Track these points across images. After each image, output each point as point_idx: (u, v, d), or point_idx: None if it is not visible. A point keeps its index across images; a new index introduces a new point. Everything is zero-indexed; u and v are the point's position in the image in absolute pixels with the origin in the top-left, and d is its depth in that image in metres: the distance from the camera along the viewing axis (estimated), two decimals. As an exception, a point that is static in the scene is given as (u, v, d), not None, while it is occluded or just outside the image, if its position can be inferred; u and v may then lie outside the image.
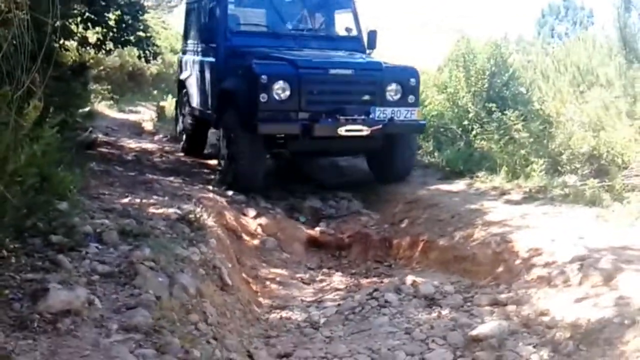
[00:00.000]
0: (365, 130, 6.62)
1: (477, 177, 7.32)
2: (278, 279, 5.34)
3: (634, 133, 7.06)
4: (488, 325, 4.02)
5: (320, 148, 7.20)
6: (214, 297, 3.80)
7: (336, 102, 6.74)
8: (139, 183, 6.37)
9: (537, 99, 8.98)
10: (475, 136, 8.08)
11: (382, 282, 5.19)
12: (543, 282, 4.49)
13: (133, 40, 8.10)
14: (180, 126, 9.80)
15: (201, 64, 8.39)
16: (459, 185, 7.19)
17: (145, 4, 8.67)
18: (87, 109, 8.18)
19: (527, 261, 4.82)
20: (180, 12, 24.44)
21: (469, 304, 4.54)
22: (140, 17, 8.11)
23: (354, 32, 8.31)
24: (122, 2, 7.76)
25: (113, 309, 3.00)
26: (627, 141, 6.94)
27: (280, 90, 6.54)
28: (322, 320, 4.42)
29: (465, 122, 8.46)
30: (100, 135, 9.15)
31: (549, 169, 7.00)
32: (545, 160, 7.02)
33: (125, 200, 5.18)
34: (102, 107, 12.54)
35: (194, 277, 3.70)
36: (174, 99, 13.64)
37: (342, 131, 6.53)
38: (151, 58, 8.77)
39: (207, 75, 8.13)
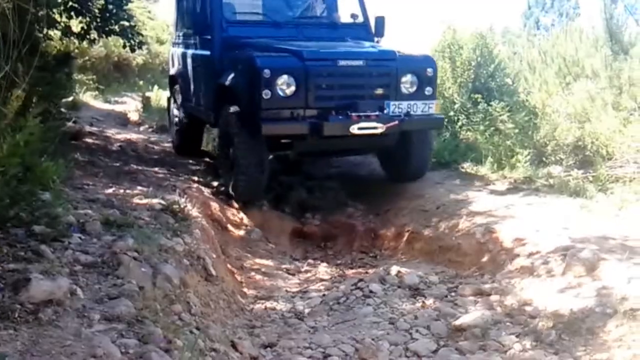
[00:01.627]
0: (380, 128, 5.96)
1: (463, 167, 7.33)
2: (263, 269, 5.34)
3: (619, 124, 7.11)
4: (471, 315, 4.05)
5: (329, 148, 6.68)
6: (198, 288, 3.79)
7: (347, 96, 6.10)
8: (123, 174, 6.34)
9: (522, 90, 9.02)
10: (461, 127, 8.11)
11: (367, 272, 5.21)
12: (526, 272, 4.52)
13: (117, 30, 8.04)
14: (173, 125, 9.10)
15: (195, 57, 7.75)
16: (445, 175, 7.19)
17: (130, -8, 8.53)
18: (71, 99, 8.12)
19: (511, 251, 4.86)
20: (166, 2, 24.36)
21: (453, 294, 4.57)
22: (125, 7, 8.04)
23: (360, 19, 7.58)
24: (106, -9, 7.70)
25: (95, 299, 2.98)
26: (611, 132, 6.99)
27: (285, 85, 5.90)
28: (307, 311, 4.42)
29: (451, 113, 8.45)
30: (85, 126, 9.08)
31: (534, 159, 7.04)
32: (531, 151, 7.06)
33: (110, 190, 5.16)
34: (87, 97, 12.45)
35: (178, 267, 3.69)
36: (160, 90, 13.64)
37: (354, 129, 5.88)
38: (136, 47, 8.70)
39: (202, 69, 7.50)
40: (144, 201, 4.89)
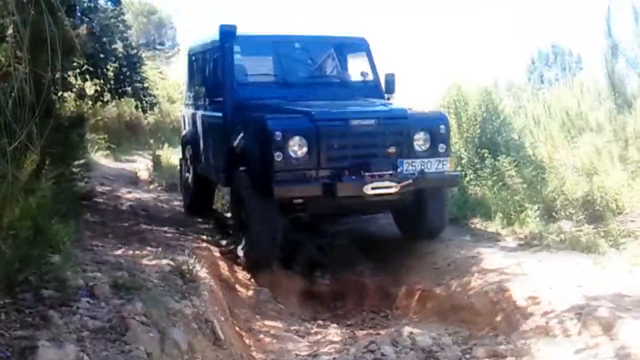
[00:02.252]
0: (394, 187, 5.89)
1: (472, 223, 7.30)
2: (272, 331, 5.26)
3: (627, 178, 7.10)
4: (487, 378, 3.95)
5: (343, 209, 6.52)
6: (206, 353, 3.74)
7: (359, 156, 6.02)
8: (133, 234, 6.35)
9: (529, 144, 9.05)
10: (469, 182, 8.11)
11: (378, 333, 5.12)
12: (542, 332, 4.43)
13: (130, 92, 8.19)
14: (184, 185, 9.18)
15: (206, 118, 7.77)
16: (454, 231, 7.14)
17: (143, 55, 8.72)
18: (83, 160, 8.20)
19: (525, 310, 4.77)
20: (177, 62, 24.88)
21: (467, 356, 4.47)
22: (138, 69, 8.21)
23: (370, 77, 7.62)
24: (120, 55, 7.87)
25: (103, 366, 2.94)
26: (620, 186, 6.97)
27: (297, 147, 5.84)
28: (317, 374, 4.34)
29: (459, 168, 8.47)
30: (96, 185, 9.15)
31: (544, 214, 7.00)
32: (540, 206, 7.04)
33: (119, 251, 5.15)
34: (99, 156, 12.58)
35: (186, 331, 3.65)
36: (170, 148, 13.78)
37: (368, 190, 5.79)
38: (148, 108, 8.85)
39: (213, 130, 7.49)
40: (153, 262, 4.87)
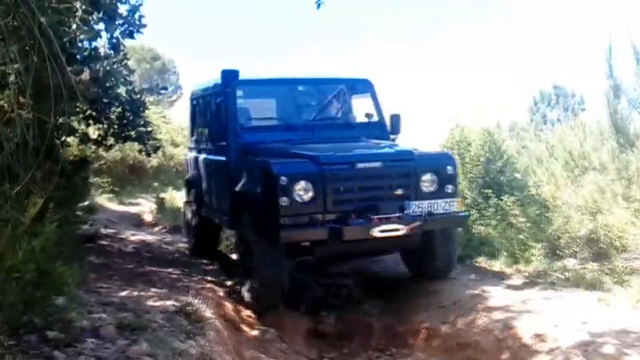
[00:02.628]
0: (401, 229, 5.80)
1: (477, 262, 7.29)
2: (277, 371, 5.23)
3: (631, 216, 7.11)
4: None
5: (351, 251, 6.45)
6: (212, 392, 3.72)
7: (366, 199, 5.99)
8: (137, 275, 6.36)
9: (532, 183, 9.09)
10: (473, 221, 8.12)
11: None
12: (548, 369, 4.41)
13: (134, 136, 8.27)
14: (189, 229, 9.07)
15: (210, 162, 7.76)
16: (459, 270, 7.13)
17: (146, 99, 8.82)
18: (87, 203, 8.25)
19: (531, 347, 4.76)
20: (180, 106, 25.18)
21: (475, 393, 4.43)
22: (142, 114, 8.31)
23: (375, 118, 7.58)
24: (124, 100, 7.97)
25: (108, 407, 2.93)
26: (624, 224, 6.97)
27: (303, 191, 5.79)
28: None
29: (463, 208, 8.49)
30: (100, 228, 9.18)
31: (548, 252, 7.01)
32: (544, 244, 7.04)
33: (124, 293, 5.16)
34: (103, 199, 12.66)
35: (192, 371, 3.64)
36: (174, 191, 13.85)
37: (375, 232, 5.73)
38: (152, 152, 8.92)
39: (218, 175, 7.48)
40: (158, 303, 4.87)
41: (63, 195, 5.77)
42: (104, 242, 8.38)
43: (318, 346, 6.13)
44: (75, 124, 7.50)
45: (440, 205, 6.13)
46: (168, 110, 23.97)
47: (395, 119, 7.48)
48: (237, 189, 6.59)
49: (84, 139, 8.06)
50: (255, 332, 5.94)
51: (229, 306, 6.00)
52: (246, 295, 6.35)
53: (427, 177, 6.23)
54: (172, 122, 20.96)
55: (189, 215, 9.01)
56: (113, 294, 5.03)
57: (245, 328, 5.90)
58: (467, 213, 6.84)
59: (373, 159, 6.15)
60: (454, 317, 5.76)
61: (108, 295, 4.97)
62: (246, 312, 6.27)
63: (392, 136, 7.48)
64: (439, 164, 6.36)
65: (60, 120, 5.48)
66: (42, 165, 4.03)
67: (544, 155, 9.58)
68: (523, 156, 10.59)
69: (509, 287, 6.30)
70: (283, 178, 5.72)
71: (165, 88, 23.08)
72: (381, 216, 5.82)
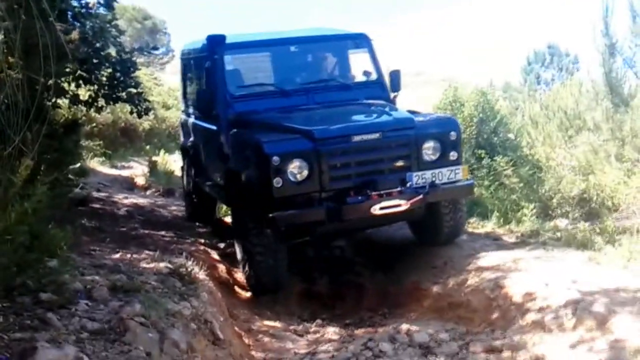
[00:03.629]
0: (403, 205, 5.50)
1: (469, 222, 7.33)
2: (271, 331, 5.29)
3: (623, 176, 7.14)
4: (484, 373, 3.98)
5: (350, 228, 6.21)
6: (206, 352, 3.76)
7: (365, 174, 5.66)
8: (130, 238, 6.36)
9: (526, 144, 9.10)
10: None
11: (376, 331, 5.15)
12: (538, 327, 4.48)
13: (125, 97, 8.18)
14: (186, 195, 8.85)
15: (203, 130, 7.30)
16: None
17: (137, 60, 8.70)
18: (79, 166, 8.21)
19: (522, 306, 4.81)
20: (172, 67, 24.95)
21: (464, 351, 4.51)
22: (132, 74, 8.21)
23: (374, 76, 7.02)
24: (114, 60, 7.86)
25: (102, 366, 2.96)
26: (616, 184, 7.02)
27: (297, 170, 5.48)
28: (316, 373, 4.36)
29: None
30: (92, 192, 9.15)
31: (540, 213, 7.05)
32: (536, 205, 7.08)
33: (117, 255, 5.16)
34: (94, 163, 12.58)
35: (185, 332, 3.66)
36: (166, 154, 13.80)
37: (375, 210, 5.43)
38: (143, 113, 8.83)
39: (211, 144, 6.97)
40: (151, 265, 4.89)
41: (54, 158, 5.72)
42: (96, 206, 8.36)
43: (311, 307, 6.19)
44: (65, 85, 7.41)
45: (444, 175, 5.78)
46: (159, 73, 23.77)
47: (395, 75, 6.96)
48: (230, 166, 6.26)
49: (75, 100, 7.97)
50: (248, 294, 5.99)
51: (222, 268, 6.03)
52: (244, 278, 6.12)
53: (429, 144, 5.86)
54: (163, 84, 20.79)
55: (185, 181, 8.80)
56: (106, 257, 5.04)
57: (238, 290, 5.94)
58: (473, 181, 6.51)
59: (371, 130, 5.77)
60: (445, 277, 5.81)
61: (101, 257, 4.98)
62: (239, 273, 6.30)
63: (392, 94, 6.96)
64: (441, 129, 5.96)
65: (50, 81, 5.42)
66: (33, 127, 3.98)
67: (538, 116, 9.57)
68: (517, 117, 10.59)
69: (501, 247, 6.34)
70: (275, 158, 5.42)
71: (156, 48, 22.82)
72: (381, 192, 5.51)
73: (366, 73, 7.10)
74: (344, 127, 5.79)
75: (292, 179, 5.49)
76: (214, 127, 6.63)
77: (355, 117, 6.27)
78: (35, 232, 3.87)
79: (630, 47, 8.87)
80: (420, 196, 5.57)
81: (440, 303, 5.53)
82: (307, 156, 5.53)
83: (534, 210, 6.94)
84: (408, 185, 5.64)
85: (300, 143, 5.61)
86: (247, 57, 7.10)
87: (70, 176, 6.96)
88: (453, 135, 5.95)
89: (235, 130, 6.27)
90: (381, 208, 5.46)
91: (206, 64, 6.75)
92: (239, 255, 6.16)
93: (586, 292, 4.60)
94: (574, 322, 4.28)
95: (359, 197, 5.51)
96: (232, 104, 6.44)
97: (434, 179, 5.74)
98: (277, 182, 5.41)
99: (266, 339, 5.09)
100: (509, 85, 22.04)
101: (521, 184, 7.65)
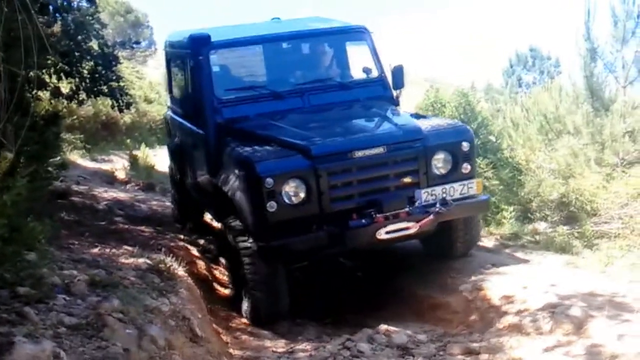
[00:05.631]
0: (412, 228, 5.06)
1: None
2: (249, 329, 5.28)
3: (602, 180, 7.23)
4: (461, 375, 4.00)
5: (354, 251, 5.75)
6: (184, 349, 3.73)
7: (368, 192, 5.15)
8: (109, 233, 6.31)
9: (506, 146, 9.17)
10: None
11: (355, 331, 5.15)
12: (515, 330, 4.51)
13: (106, 91, 8.11)
14: (174, 197, 8.34)
15: (190, 133, 6.58)
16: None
17: (119, 54, 8.62)
18: (59, 159, 8.12)
19: (500, 309, 4.85)
20: (154, 61, 24.78)
21: (442, 353, 4.51)
22: (114, 68, 8.14)
23: (375, 73, 6.40)
24: (96, 54, 7.79)
25: (79, 362, 2.93)
26: (595, 188, 7.10)
27: (293, 192, 5.00)
28: (294, 371, 4.36)
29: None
30: (72, 185, 9.06)
31: (520, 216, 7.12)
32: (516, 208, 7.14)
33: (95, 250, 5.12)
34: (75, 156, 12.46)
35: (164, 328, 3.64)
36: (147, 148, 13.70)
37: (381, 235, 4.99)
38: (124, 108, 8.76)
39: (198, 151, 6.33)
40: (130, 260, 4.85)
41: (34, 151, 5.65)
42: (76, 199, 8.27)
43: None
44: (46, 78, 7.34)
45: (456, 190, 5.25)
46: (141, 66, 23.58)
47: (398, 71, 6.30)
48: (219, 182, 5.65)
49: (56, 93, 7.90)
50: (227, 291, 5.97)
51: (201, 265, 6.00)
52: (244, 311, 5.51)
53: (439, 157, 5.34)
54: (145, 78, 20.64)
55: (172, 183, 8.27)
56: (85, 251, 4.99)
57: (218, 287, 5.92)
58: (488, 196, 6.02)
59: (374, 143, 5.20)
60: (425, 279, 5.83)
61: (79, 252, 4.93)
62: (218, 270, 6.28)
63: (395, 92, 6.37)
64: (453, 139, 5.40)
65: (32, 73, 5.35)
66: (13, 119, 3.94)
67: (519, 118, 9.66)
68: (498, 119, 10.67)
69: (480, 249, 6.38)
70: (269, 180, 4.91)
71: (139, 43, 22.57)
72: (387, 214, 5.04)
73: (366, 70, 6.47)
74: (345, 142, 5.25)
75: (287, 201, 5.00)
76: (201, 132, 6.02)
77: (357, 126, 5.75)
78: (13, 224, 3.82)
79: (612, 52, 9.01)
80: (431, 217, 5.09)
81: (421, 305, 5.55)
82: (303, 176, 5.02)
83: (514, 213, 7.01)
84: (417, 204, 5.13)
85: (295, 161, 5.08)
86: (235, 56, 6.49)
87: (50, 169, 6.87)
88: (465, 145, 5.39)
89: (224, 139, 5.70)
90: (387, 232, 5.03)
91: (190, 63, 6.23)
92: (230, 280, 5.75)
93: (564, 296, 4.66)
94: (551, 325, 4.32)
95: (363, 221, 5.03)
96: (220, 109, 5.86)
97: (444, 195, 5.21)
98: (271, 206, 4.91)
99: (244, 337, 5.07)
100: (490, 87, 22.23)
101: (501, 187, 7.71)
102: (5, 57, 3.68)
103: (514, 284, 5.08)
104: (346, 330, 5.25)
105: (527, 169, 8.23)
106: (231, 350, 4.73)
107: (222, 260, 6.51)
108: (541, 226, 6.88)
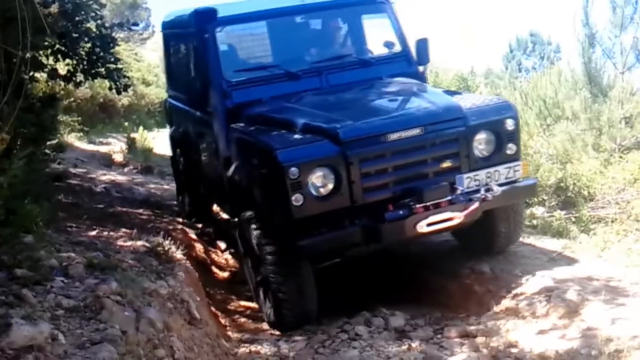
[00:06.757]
0: (457, 218, 4.52)
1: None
2: (248, 312, 5.30)
3: (600, 165, 7.23)
4: (457, 358, 4.04)
5: (389, 246, 5.17)
6: (182, 332, 3.75)
7: (405, 180, 4.59)
8: (107, 215, 6.31)
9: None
10: (444, 168, 8.18)
11: (353, 315, 5.17)
12: (512, 313, 4.55)
13: (104, 72, 8.07)
14: (179, 189, 7.86)
15: (195, 121, 6.10)
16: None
17: (117, 36, 8.56)
18: (56, 141, 8.10)
19: (497, 293, 4.87)
20: (152, 43, 24.64)
21: (439, 336, 4.55)
22: (112, 50, 8.09)
23: (398, 47, 5.83)
24: (94, 35, 7.74)
25: (77, 344, 2.93)
26: (592, 173, 7.10)
27: (321, 182, 4.42)
28: (292, 354, 4.38)
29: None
30: (69, 167, 9.05)
31: (518, 200, 7.10)
32: (514, 192, 7.12)
33: (93, 232, 5.12)
34: (72, 138, 12.43)
35: (162, 311, 3.65)
36: (145, 131, 13.67)
37: (422, 227, 4.44)
38: (122, 90, 8.72)
39: (205, 140, 5.88)
40: (128, 243, 4.85)
41: (31, 133, 5.64)
42: (73, 182, 8.27)
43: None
44: (43, 59, 7.29)
45: (501, 174, 4.71)
46: (139, 48, 23.45)
47: (422, 44, 5.73)
48: (232, 173, 5.15)
49: (53, 74, 7.85)
50: (225, 274, 5.99)
51: (199, 248, 6.02)
52: (268, 316, 5.01)
53: (482, 137, 4.79)
54: (143, 60, 20.54)
55: (176, 175, 7.79)
56: (82, 234, 4.99)
57: (216, 270, 5.93)
58: (536, 179, 5.48)
59: (410, 124, 4.61)
60: (423, 263, 5.84)
61: (77, 234, 4.93)
62: (216, 253, 6.30)
63: (420, 68, 5.86)
64: (496, 117, 4.83)
65: (28, 54, 5.32)
66: (10, 101, 3.92)
67: (518, 103, 9.63)
68: (497, 104, 10.63)
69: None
70: (293, 169, 4.33)
71: (137, 24, 22.38)
72: (427, 203, 4.48)
73: (388, 44, 5.89)
74: (377, 123, 4.64)
75: (314, 193, 4.43)
76: (209, 119, 5.55)
77: (387, 106, 5.09)
78: (10, 207, 3.83)
79: (610, 37, 8.97)
80: (476, 204, 4.55)
81: (419, 289, 5.56)
82: (332, 164, 4.45)
83: (511, 198, 6.99)
84: (459, 191, 4.58)
85: (322, 148, 4.50)
86: (244, 33, 5.96)
87: (47, 151, 6.87)
88: (510, 123, 4.83)
89: (235, 127, 5.23)
90: (429, 224, 4.48)
91: (194, 43, 5.75)
92: (249, 280, 5.26)
93: (560, 280, 4.69)
94: (547, 309, 4.35)
95: (400, 212, 4.47)
96: (230, 93, 5.34)
97: (489, 180, 4.68)
98: (297, 199, 4.34)
99: (242, 320, 5.11)
100: (490, 72, 22.15)
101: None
102: (1, 38, 3.66)
103: (511, 268, 5.10)
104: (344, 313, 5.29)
105: (525, 154, 8.22)
106: (229, 333, 4.76)
107: (220, 243, 6.54)
108: (539, 211, 6.88)
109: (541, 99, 9.02)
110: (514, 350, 4.08)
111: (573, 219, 6.43)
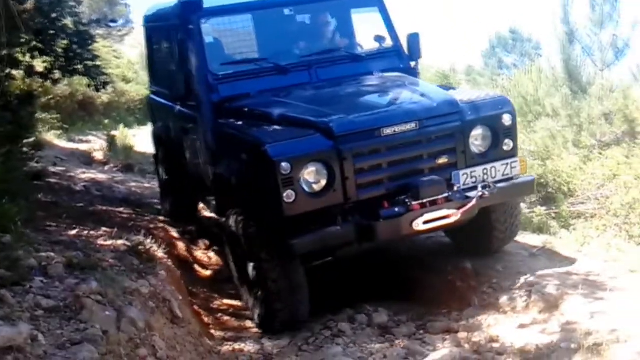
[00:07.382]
0: (454, 216, 4.42)
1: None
2: (231, 310, 5.28)
3: (580, 162, 7.31)
4: (440, 353, 4.05)
5: (384, 245, 5.12)
6: (164, 331, 3.73)
7: (400, 176, 4.49)
8: (88, 214, 6.25)
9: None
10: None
11: (337, 312, 5.17)
12: (493, 308, 4.58)
13: (81, 69, 8.00)
14: (162, 189, 7.60)
15: (180, 117, 5.96)
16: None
17: (96, 33, 8.51)
18: (34, 139, 8.01)
19: (478, 288, 4.90)
20: (131, 40, 24.45)
21: (421, 332, 4.57)
22: (89, 47, 8.02)
23: (389, 42, 5.76)
24: (71, 32, 7.68)
25: (57, 344, 2.90)
26: (572, 169, 7.18)
27: (313, 178, 4.29)
28: (276, 352, 4.38)
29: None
30: (48, 166, 8.95)
31: (498, 196, 7.16)
32: (494, 188, 7.18)
33: (73, 232, 5.06)
34: (51, 136, 12.30)
35: (143, 310, 3.62)
36: (125, 128, 13.58)
37: (418, 225, 4.34)
38: (101, 87, 8.67)
39: (191, 137, 5.76)
40: (109, 242, 4.80)
41: (8, 130, 5.58)
42: (52, 180, 8.18)
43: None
44: (19, 56, 7.21)
45: (498, 170, 4.64)
46: (119, 45, 23.27)
47: (414, 39, 5.66)
48: (220, 171, 5.05)
49: (30, 71, 7.77)
50: (208, 272, 5.96)
51: (181, 246, 5.98)
52: (256, 317, 4.88)
53: (478, 132, 4.71)
54: (123, 57, 20.39)
55: (160, 174, 7.51)
56: (62, 233, 4.93)
57: (198, 268, 5.90)
58: (533, 176, 5.25)
59: (406, 118, 4.50)
60: (408, 259, 5.86)
61: (57, 233, 4.87)
62: (199, 251, 6.27)
63: (412, 63, 5.75)
64: (493, 112, 4.75)
65: (4, 51, 5.25)
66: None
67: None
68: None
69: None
70: (284, 165, 4.17)
71: (115, 21, 22.23)
72: (424, 200, 4.37)
73: (379, 38, 5.81)
74: (372, 117, 4.52)
75: (307, 190, 4.28)
76: (194, 115, 5.45)
77: (380, 100, 5.02)
78: (-13, 206, 3.78)
79: (589, 35, 9.08)
80: (473, 202, 4.46)
81: (403, 285, 5.57)
82: (325, 159, 4.31)
83: (492, 194, 7.04)
84: (456, 188, 4.50)
85: (315, 142, 4.36)
86: (231, 25, 5.74)
87: (25, 149, 6.79)
88: (507, 119, 4.75)
89: (223, 121, 5.09)
90: (425, 222, 4.37)
91: (179, 36, 5.61)
92: (237, 282, 5.13)
93: (540, 275, 4.73)
94: (528, 304, 4.40)
95: (396, 209, 4.36)
96: (216, 86, 5.21)
97: (485, 176, 4.61)
98: (288, 196, 4.18)
99: (225, 318, 5.08)
100: (472, 69, 22.23)
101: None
102: (-23, 36, 3.61)
103: (492, 263, 5.13)
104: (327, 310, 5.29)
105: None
106: (212, 331, 4.74)
107: (203, 241, 6.49)
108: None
109: (522, 96, 9.10)
110: (495, 345, 4.11)
111: (553, 215, 6.49)
